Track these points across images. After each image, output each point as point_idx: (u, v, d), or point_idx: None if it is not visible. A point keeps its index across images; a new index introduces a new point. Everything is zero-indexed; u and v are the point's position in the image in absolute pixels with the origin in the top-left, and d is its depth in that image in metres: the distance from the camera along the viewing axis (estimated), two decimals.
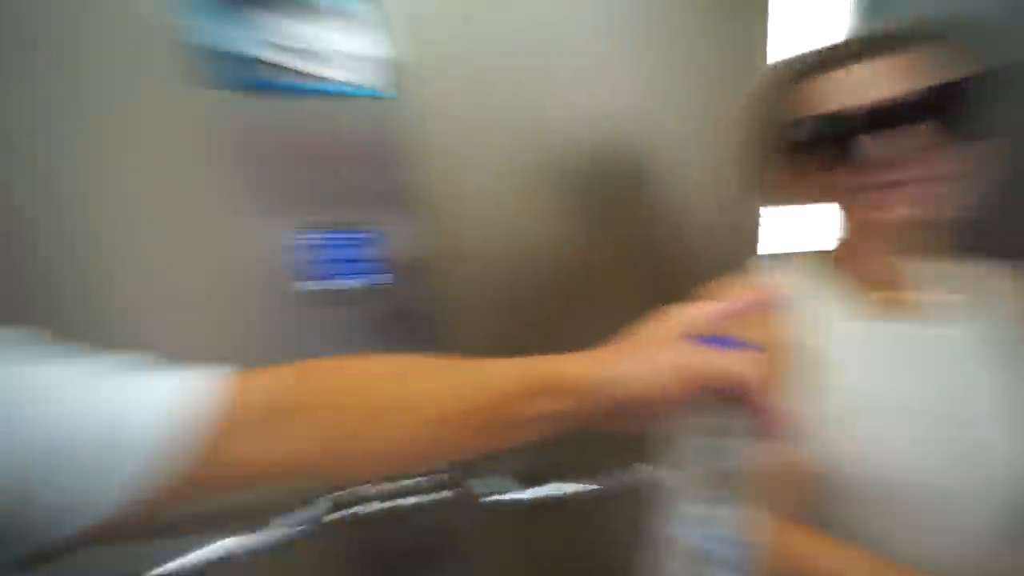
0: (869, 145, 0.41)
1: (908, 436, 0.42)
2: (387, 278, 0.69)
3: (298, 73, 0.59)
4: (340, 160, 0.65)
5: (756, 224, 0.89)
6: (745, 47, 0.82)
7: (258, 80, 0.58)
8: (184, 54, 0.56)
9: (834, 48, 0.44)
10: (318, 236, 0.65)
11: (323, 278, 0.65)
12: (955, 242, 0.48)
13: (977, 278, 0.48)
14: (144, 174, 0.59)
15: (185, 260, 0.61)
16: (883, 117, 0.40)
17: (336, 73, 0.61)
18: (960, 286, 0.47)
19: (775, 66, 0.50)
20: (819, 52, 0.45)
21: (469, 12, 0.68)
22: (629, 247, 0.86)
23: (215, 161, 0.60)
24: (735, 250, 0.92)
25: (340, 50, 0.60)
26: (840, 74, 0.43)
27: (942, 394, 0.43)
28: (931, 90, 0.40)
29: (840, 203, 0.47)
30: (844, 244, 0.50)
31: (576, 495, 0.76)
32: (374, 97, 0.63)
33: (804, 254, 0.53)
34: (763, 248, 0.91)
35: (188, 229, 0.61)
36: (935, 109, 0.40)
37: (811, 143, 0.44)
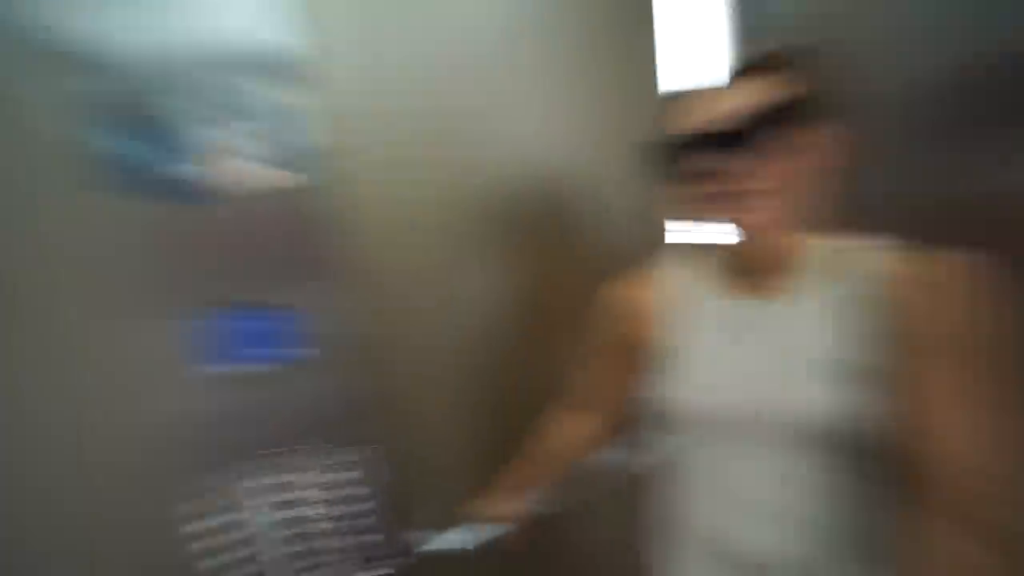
0: (698, 162, 0.50)
1: (737, 385, 0.55)
2: (307, 356, 0.70)
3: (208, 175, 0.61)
4: (255, 240, 0.67)
5: (662, 234, 1.04)
6: (638, 77, 0.95)
7: (166, 187, 0.60)
8: (88, 161, 0.58)
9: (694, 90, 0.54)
10: (234, 316, 0.66)
11: (237, 359, 0.66)
12: (825, 228, 0.56)
13: (841, 257, 0.55)
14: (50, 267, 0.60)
15: (95, 352, 0.63)
16: (708, 138, 0.49)
17: (248, 166, 0.63)
18: (820, 266, 0.56)
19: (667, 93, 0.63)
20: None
21: (378, 87, 0.75)
22: (558, 279, 0.94)
23: (123, 252, 0.62)
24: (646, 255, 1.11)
25: (251, 144, 0.63)
26: (691, 97, 0.52)
27: (772, 354, 0.55)
28: (752, 115, 0.48)
29: (694, 212, 0.56)
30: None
31: None
32: (292, 179, 0.66)
33: (700, 247, 0.65)
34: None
35: (101, 322, 0.62)
36: (755, 130, 0.48)
37: (669, 160, 0.54)
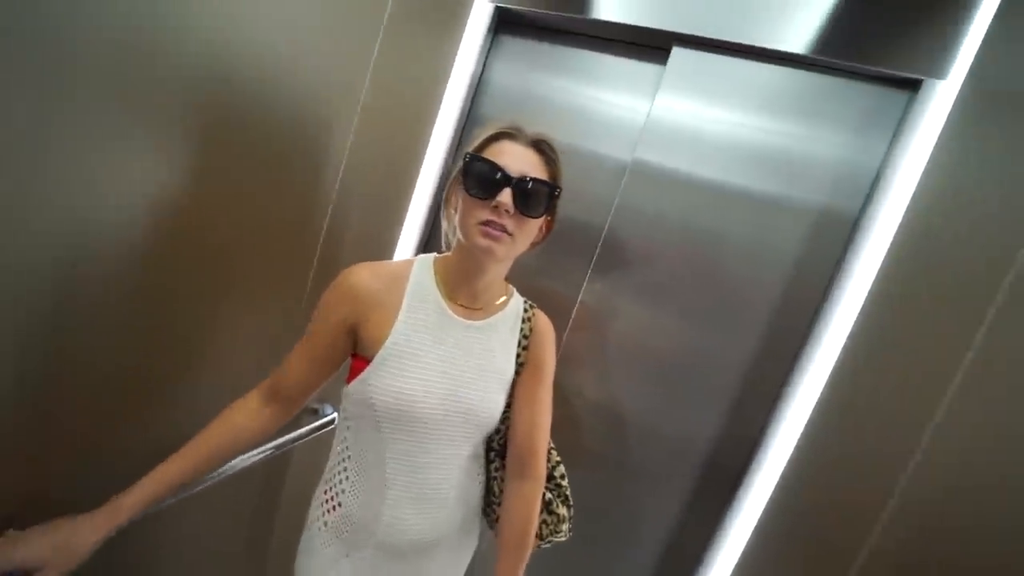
0: (505, 195, 0.63)
1: (429, 385, 0.67)
2: None
3: None
4: None
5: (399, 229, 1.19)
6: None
7: None
8: None
9: (514, 128, 0.68)
10: None
11: None
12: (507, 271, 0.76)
13: (515, 299, 0.78)
14: None
15: None
16: (523, 185, 0.64)
17: None
18: (504, 305, 0.76)
19: (485, 132, 0.70)
20: (507, 126, 0.69)
21: None
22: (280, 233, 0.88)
23: None
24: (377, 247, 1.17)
25: None
26: (508, 144, 0.67)
27: (471, 365, 0.70)
28: (546, 183, 0.66)
29: (465, 229, 0.67)
30: (447, 259, 0.73)
31: None
32: None
33: (417, 257, 0.76)
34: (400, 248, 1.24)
35: None
36: (544, 195, 0.66)
37: (472, 174, 0.65)
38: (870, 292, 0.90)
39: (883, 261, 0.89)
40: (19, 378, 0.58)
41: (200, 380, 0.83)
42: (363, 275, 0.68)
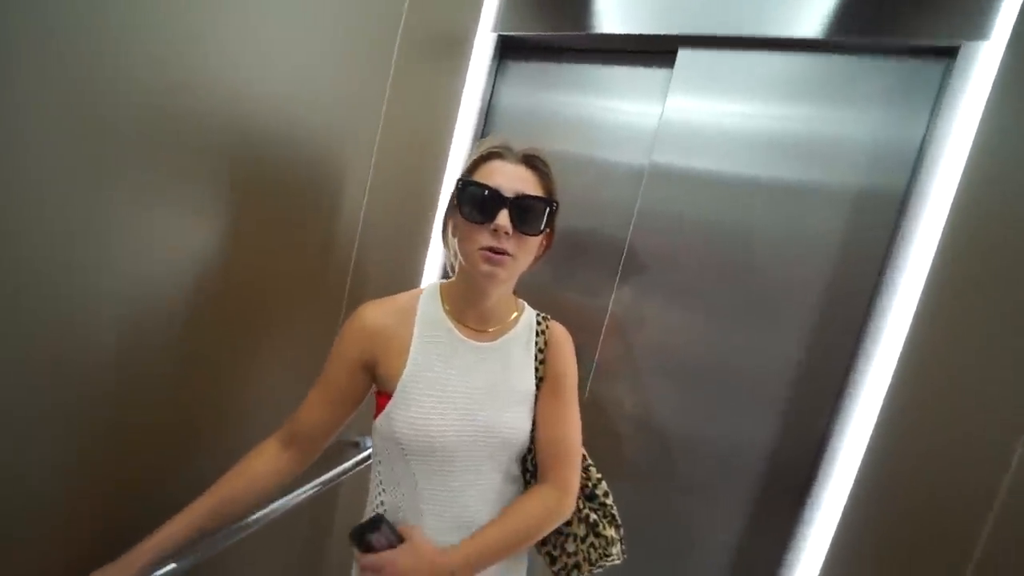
0: (503, 217, 0.62)
1: (448, 412, 0.66)
2: None
3: None
4: None
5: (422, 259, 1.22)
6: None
7: None
8: None
9: (503, 146, 0.67)
10: None
11: None
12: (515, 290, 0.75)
13: (527, 314, 0.76)
14: None
15: None
16: (520, 204, 0.63)
17: None
18: (516, 321, 0.74)
19: (473, 150, 0.69)
20: (495, 145, 0.67)
21: None
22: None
23: None
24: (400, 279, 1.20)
25: None
26: (499, 163, 0.65)
27: (489, 386, 0.69)
28: (544, 197, 0.66)
29: (466, 255, 0.66)
30: (452, 284, 0.73)
31: None
32: None
33: (424, 286, 0.75)
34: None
35: None
36: (542, 213, 0.65)
37: (467, 199, 0.64)
38: (930, 273, 0.82)
39: (940, 238, 0.81)
40: (86, 440, 0.63)
41: (247, 430, 0.85)
42: (371, 313, 0.69)
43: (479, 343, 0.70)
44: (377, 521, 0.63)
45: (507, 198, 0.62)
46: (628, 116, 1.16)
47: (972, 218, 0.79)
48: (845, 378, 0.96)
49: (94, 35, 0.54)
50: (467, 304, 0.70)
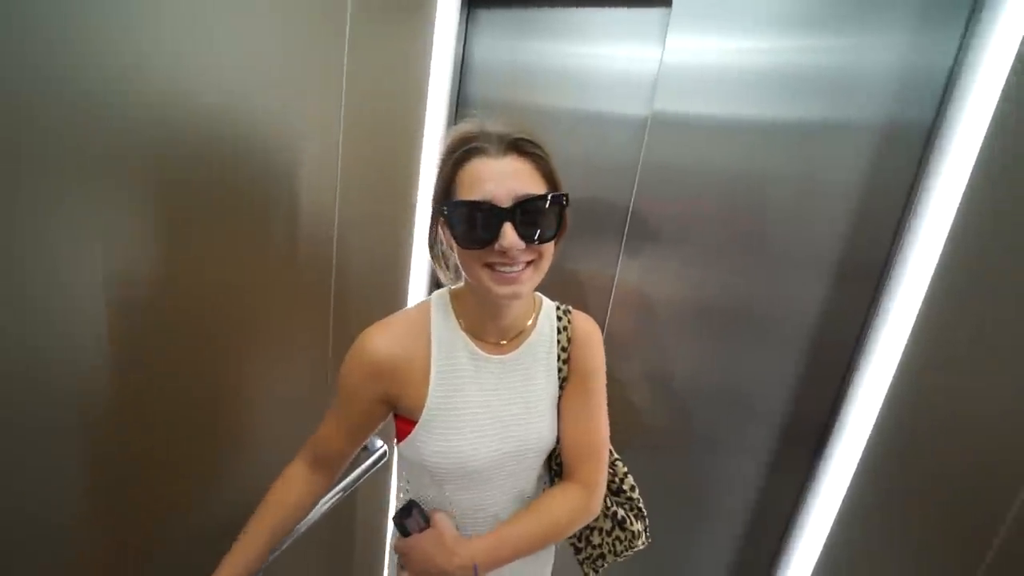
0: (508, 233, 0.51)
1: (480, 436, 0.62)
2: None
3: None
4: None
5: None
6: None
7: None
8: None
9: (479, 133, 0.53)
10: None
11: None
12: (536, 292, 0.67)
13: (548, 312, 0.69)
14: None
15: None
16: (524, 211, 0.52)
17: None
18: (535, 322, 0.67)
19: (444, 148, 0.57)
20: (468, 138, 0.54)
21: None
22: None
23: None
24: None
25: None
26: (481, 162, 0.53)
27: (517, 400, 0.64)
28: (552, 195, 0.54)
29: (474, 279, 0.57)
30: (463, 296, 0.65)
31: None
32: None
33: (431, 299, 0.66)
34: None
35: None
36: (548, 207, 0.53)
37: (459, 223, 0.53)
38: (959, 211, 0.76)
39: (971, 173, 0.75)
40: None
41: (244, 453, 0.81)
42: (380, 345, 0.60)
43: (501, 356, 0.64)
44: (409, 507, 0.64)
45: (505, 209, 0.51)
46: (623, 63, 1.03)
47: (1006, 153, 0.72)
48: (864, 328, 0.93)
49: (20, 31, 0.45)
50: (485, 320, 0.63)
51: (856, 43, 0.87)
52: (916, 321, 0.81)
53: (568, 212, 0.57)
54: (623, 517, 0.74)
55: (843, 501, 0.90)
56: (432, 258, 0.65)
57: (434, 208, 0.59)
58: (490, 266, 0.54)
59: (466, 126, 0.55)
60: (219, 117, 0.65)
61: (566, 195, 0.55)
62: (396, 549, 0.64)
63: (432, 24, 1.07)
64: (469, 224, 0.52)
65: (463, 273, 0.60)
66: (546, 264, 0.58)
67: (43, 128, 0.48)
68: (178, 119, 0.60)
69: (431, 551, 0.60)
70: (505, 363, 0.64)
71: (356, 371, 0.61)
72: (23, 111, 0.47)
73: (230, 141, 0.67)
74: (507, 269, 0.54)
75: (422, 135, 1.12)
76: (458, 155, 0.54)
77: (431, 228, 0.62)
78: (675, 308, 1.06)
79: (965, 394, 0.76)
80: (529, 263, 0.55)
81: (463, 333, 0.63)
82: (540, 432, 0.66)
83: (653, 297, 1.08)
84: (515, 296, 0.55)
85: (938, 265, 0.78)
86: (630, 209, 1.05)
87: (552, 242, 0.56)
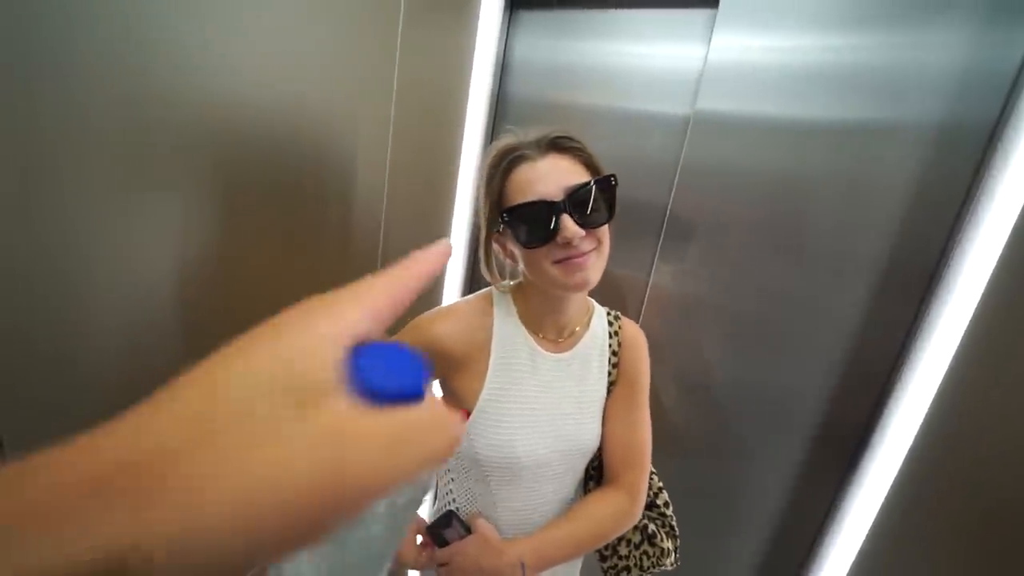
0: (568, 224, 0.54)
1: (533, 431, 0.63)
2: None
3: None
4: None
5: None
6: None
7: None
8: None
9: (518, 144, 0.57)
10: None
11: None
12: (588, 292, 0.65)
13: (599, 316, 0.71)
14: None
15: None
16: (576, 200, 0.54)
17: None
18: (588, 324, 0.69)
19: (488, 164, 0.60)
20: (510, 150, 0.58)
21: None
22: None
23: None
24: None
25: None
26: (525, 168, 0.56)
27: (569, 400, 0.66)
28: (597, 180, 0.56)
29: (540, 276, 0.59)
30: (524, 292, 0.66)
31: None
32: None
33: (492, 292, 0.68)
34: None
35: None
36: (600, 190, 0.56)
37: (520, 225, 0.56)
38: (1021, 217, 0.73)
39: None
40: None
41: None
42: (442, 328, 0.63)
43: (558, 354, 0.66)
44: (448, 517, 0.64)
45: (559, 202, 0.54)
46: (666, 61, 1.03)
47: None
48: (908, 338, 0.90)
49: (87, 43, 0.51)
50: (546, 315, 0.65)
51: (912, 41, 0.83)
52: (966, 333, 0.78)
53: (617, 192, 0.59)
54: (653, 532, 0.74)
55: (878, 514, 0.88)
56: (488, 275, 0.67)
57: (488, 224, 0.61)
58: (557, 262, 0.57)
59: (504, 140, 0.58)
60: (280, 121, 0.70)
61: (612, 175, 0.58)
62: (435, 558, 0.63)
63: (476, 23, 1.09)
64: (530, 224, 0.56)
65: (527, 274, 0.62)
66: (606, 250, 0.60)
67: (119, 127, 0.54)
68: (238, 119, 0.65)
69: (476, 554, 0.60)
70: (561, 361, 0.66)
71: (413, 344, 0.65)
72: (105, 122, 0.53)
73: (290, 143, 0.72)
74: (573, 256, 0.56)
75: (463, 131, 1.15)
76: (504, 166, 0.57)
77: (485, 248, 0.64)
78: (710, 313, 1.06)
79: (1020, 412, 0.73)
80: (591, 251, 0.57)
81: (524, 330, 0.65)
82: (593, 433, 0.67)
83: (688, 300, 1.08)
84: (586, 283, 0.57)
85: (993, 274, 0.75)
86: (668, 209, 1.05)
87: (607, 225, 0.58)
